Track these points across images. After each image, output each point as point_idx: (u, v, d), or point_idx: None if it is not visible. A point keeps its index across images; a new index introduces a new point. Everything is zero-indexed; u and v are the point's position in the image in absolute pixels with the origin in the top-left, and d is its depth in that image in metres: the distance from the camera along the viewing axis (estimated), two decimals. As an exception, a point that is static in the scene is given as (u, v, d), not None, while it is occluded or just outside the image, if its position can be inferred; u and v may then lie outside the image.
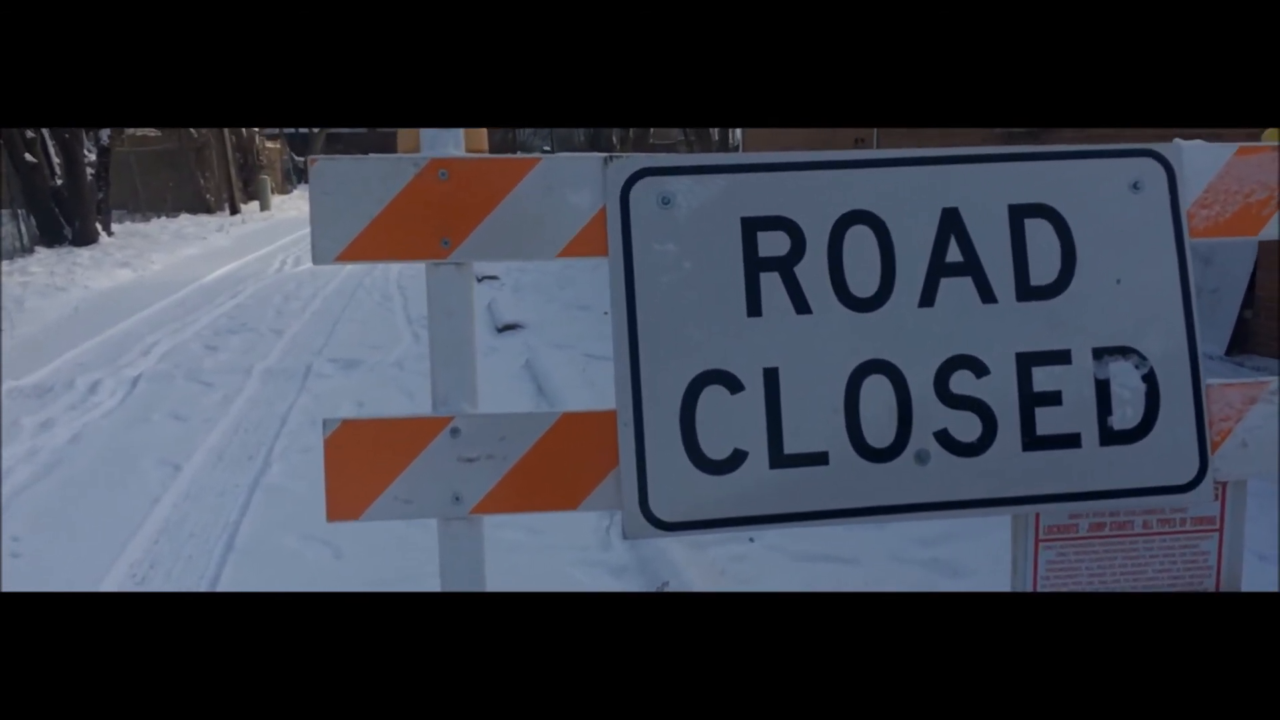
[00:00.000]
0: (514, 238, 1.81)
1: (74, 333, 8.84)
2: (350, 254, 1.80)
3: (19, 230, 15.72)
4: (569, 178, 1.81)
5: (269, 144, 34.09)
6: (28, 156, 15.53)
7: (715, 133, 42.10)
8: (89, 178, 16.72)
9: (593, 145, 42.00)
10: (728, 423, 1.81)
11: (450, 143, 1.83)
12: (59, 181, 16.06)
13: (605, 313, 8.05)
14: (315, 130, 39.70)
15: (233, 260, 15.02)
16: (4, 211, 15.67)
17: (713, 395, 1.81)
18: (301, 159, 37.57)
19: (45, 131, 15.76)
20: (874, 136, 12.89)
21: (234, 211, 26.06)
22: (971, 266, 1.86)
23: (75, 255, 14.66)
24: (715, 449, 1.81)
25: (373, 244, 1.79)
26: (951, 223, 1.86)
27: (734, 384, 1.81)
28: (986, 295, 1.86)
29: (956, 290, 1.85)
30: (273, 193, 28.55)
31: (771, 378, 1.82)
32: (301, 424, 5.64)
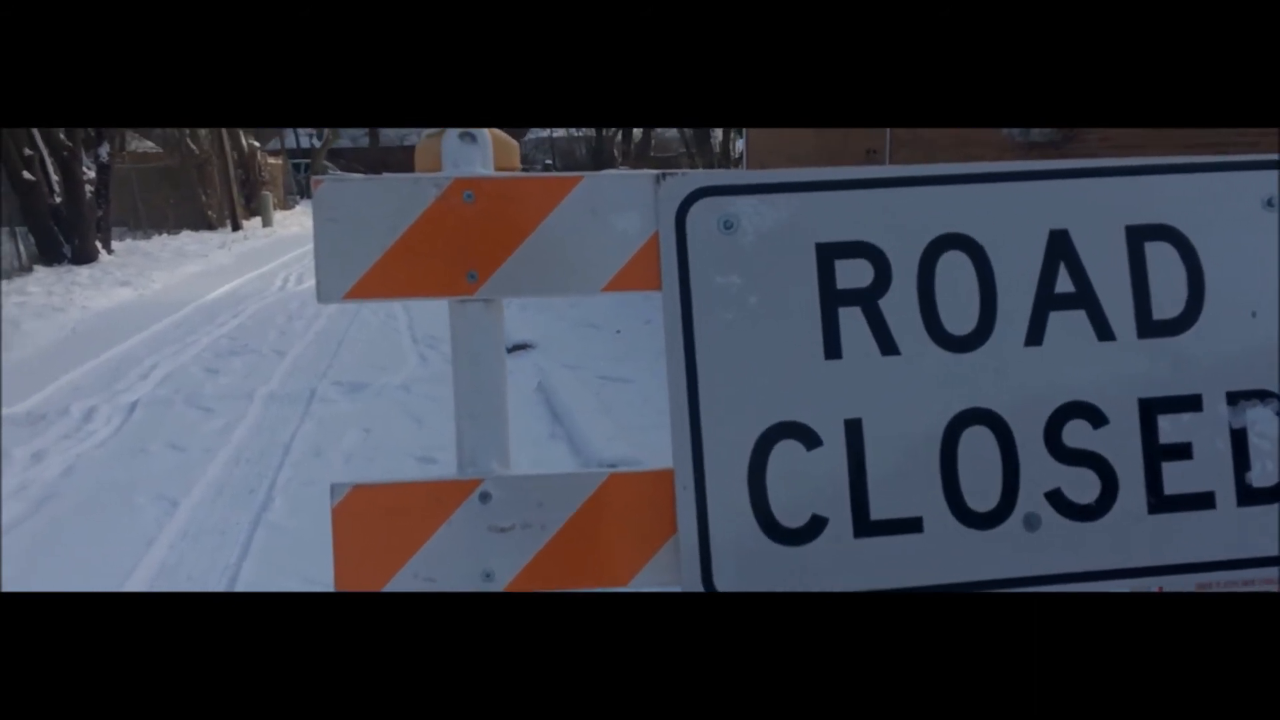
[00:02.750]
0: (551, 270, 1.55)
1: (70, 356, 8.59)
2: (361, 291, 1.54)
3: (17, 249, 15.50)
4: (615, 199, 1.56)
5: (271, 159, 33.97)
6: (26, 174, 15.33)
7: (717, 144, 42.07)
8: (88, 195, 16.52)
9: (595, 159, 41.94)
10: (804, 484, 1.57)
11: (477, 159, 1.57)
12: (58, 199, 15.85)
13: (617, 331, 7.84)
14: (317, 145, 39.60)
15: (234, 278, 14.80)
16: (2, 230, 15.46)
17: (786, 452, 1.56)
18: (303, 174, 37.47)
19: (44, 149, 15.56)
20: (885, 145, 12.63)
21: (236, 228, 25.88)
22: (1085, 298, 1.61)
23: (74, 274, 14.44)
24: (789, 514, 1.56)
25: (387, 279, 1.53)
26: (1060, 247, 1.61)
27: (810, 438, 1.56)
28: (1103, 332, 1.61)
29: (1068, 326, 1.60)
30: (275, 208, 28.36)
31: (854, 431, 1.57)
32: (305, 453, 5.38)
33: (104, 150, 17.50)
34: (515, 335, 8.24)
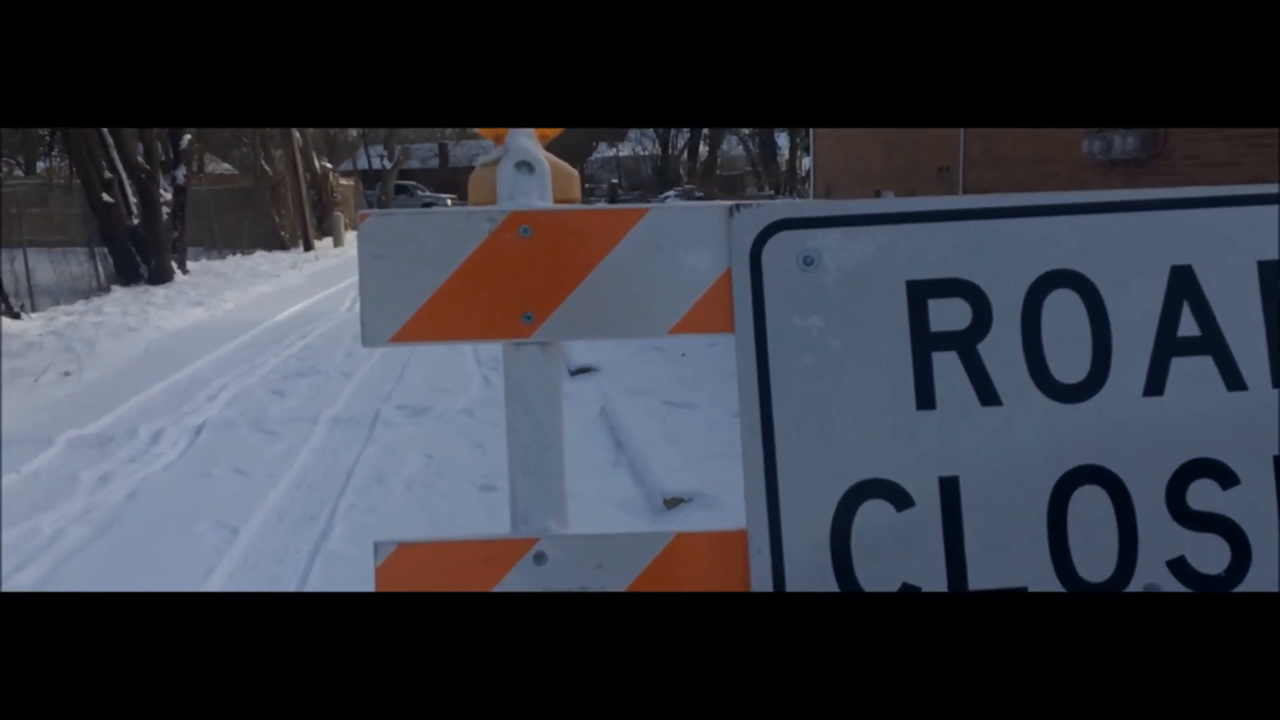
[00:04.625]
0: (613, 311, 1.42)
1: (142, 376, 8.69)
2: (409, 334, 1.43)
3: (96, 270, 15.87)
4: (684, 233, 1.43)
5: (343, 180, 34.57)
6: (105, 196, 15.69)
7: (783, 161, 41.83)
8: (165, 216, 16.86)
9: (660, 177, 41.97)
10: (893, 549, 1.42)
11: (534, 191, 1.44)
12: (135, 221, 16.20)
13: (682, 354, 7.70)
14: (388, 166, 40.22)
15: (305, 298, 14.97)
16: (82, 251, 15.85)
17: (873, 513, 1.42)
18: (373, 192, 38.06)
19: (123, 172, 15.93)
20: (959, 162, 12.34)
21: (308, 248, 26.31)
22: (1212, 342, 1.44)
23: (150, 294, 14.72)
24: (877, 583, 1.41)
25: (437, 321, 1.42)
26: (1184, 285, 1.44)
27: (901, 498, 1.41)
28: (1232, 380, 1.44)
29: (1193, 374, 1.44)
30: (346, 229, 28.81)
31: (950, 490, 1.42)
32: (367, 479, 5.32)
33: (180, 172, 17.88)
34: (578, 359, 8.15)
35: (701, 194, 33.92)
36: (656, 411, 6.32)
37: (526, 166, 1.45)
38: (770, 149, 42.31)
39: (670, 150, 43.37)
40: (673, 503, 4.45)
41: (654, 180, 41.92)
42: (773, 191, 39.05)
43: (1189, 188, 1.46)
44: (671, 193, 35.39)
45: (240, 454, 5.98)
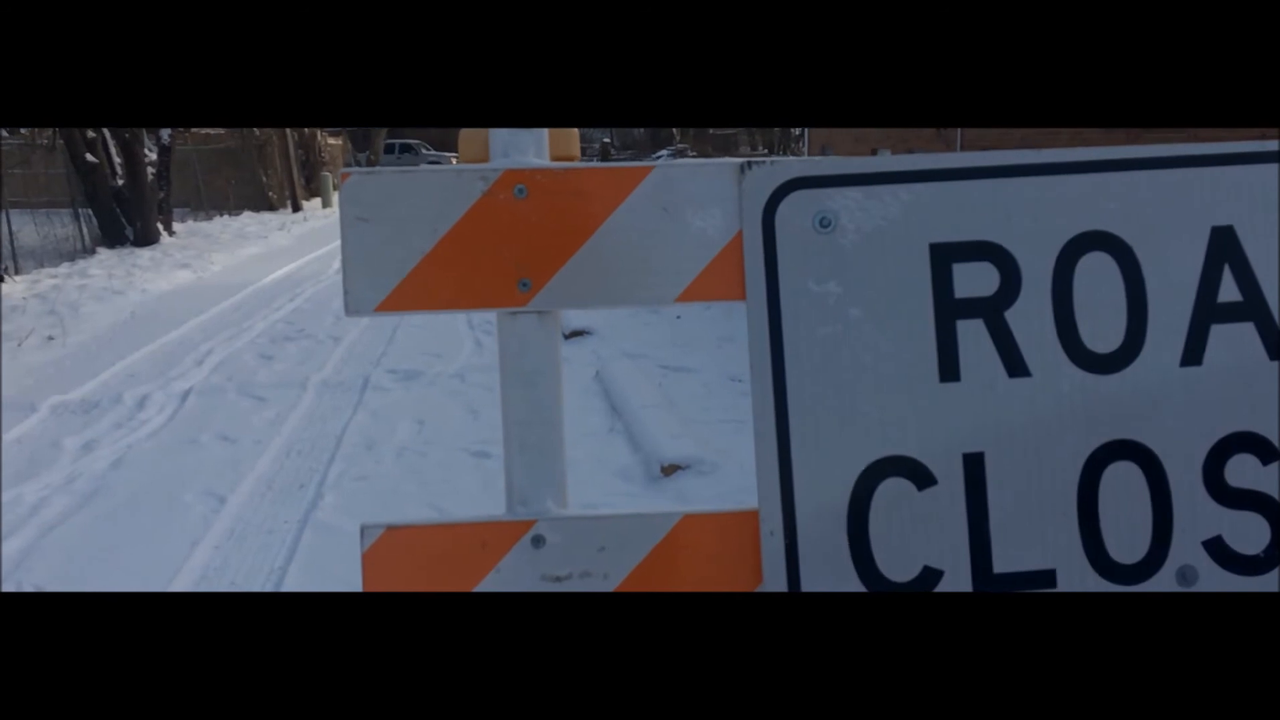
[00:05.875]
0: (616, 278, 1.33)
1: (128, 340, 8.55)
2: (396, 302, 1.33)
3: (80, 232, 15.64)
4: (691, 193, 1.33)
5: (331, 140, 34.13)
6: (89, 157, 15.44)
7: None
8: (150, 177, 16.62)
9: (653, 137, 41.59)
10: (914, 529, 1.33)
11: (530, 148, 1.34)
12: (120, 182, 15.96)
13: (678, 317, 7.60)
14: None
15: (293, 260, 14.79)
16: (66, 212, 15.61)
17: (893, 492, 1.34)
18: (363, 154, 37.60)
19: (106, 131, 15.67)
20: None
21: (296, 209, 26.02)
22: (1254, 308, 1.36)
23: (136, 256, 14.53)
24: (897, 566, 1.34)
25: (426, 288, 1.32)
26: (1225, 247, 1.36)
27: (923, 476, 1.33)
28: (1275, 349, 1.36)
29: (1233, 342, 1.35)
30: (335, 189, 28.51)
31: (975, 467, 1.34)
32: (357, 446, 5.23)
33: (165, 132, 17.59)
34: (572, 322, 8.04)
35: (695, 153, 33.62)
36: (653, 375, 6.22)
37: (521, 121, 1.34)
38: (763, 108, 41.79)
39: (662, 109, 42.85)
40: (670, 470, 4.37)
41: (647, 139, 41.51)
42: (766, 150, 38.73)
43: (1231, 142, 1.37)
44: (664, 152, 35.07)
45: (228, 420, 5.88)
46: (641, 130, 42.78)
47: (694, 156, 31.73)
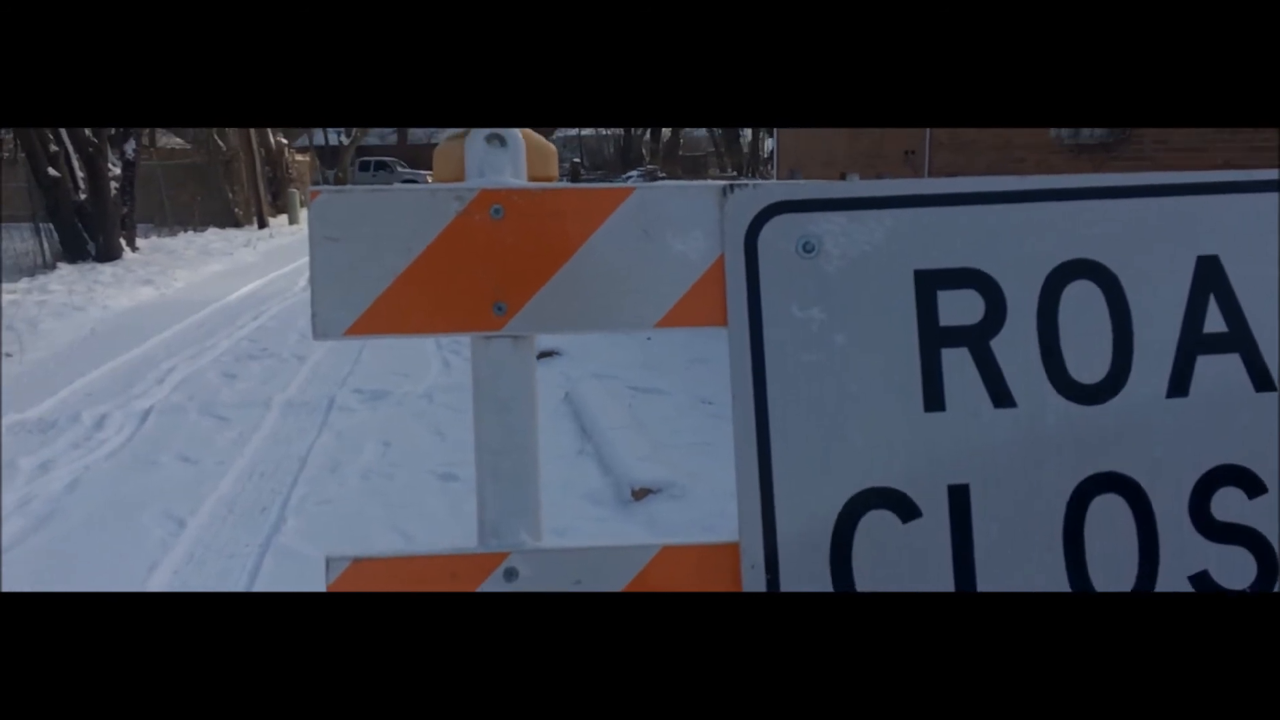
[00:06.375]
0: (595, 302, 1.29)
1: (87, 358, 8.39)
2: (366, 325, 1.29)
3: (41, 246, 15.39)
4: (672, 216, 1.29)
5: (298, 156, 33.94)
6: (51, 171, 15.20)
7: (746, 143, 41.78)
8: (113, 192, 16.39)
9: (623, 157, 41.72)
10: (899, 563, 1.30)
11: (507, 167, 1.30)
12: (83, 196, 15.73)
13: (648, 338, 7.57)
14: (345, 142, 39.52)
15: (258, 277, 14.63)
16: (26, 227, 15.35)
17: (877, 524, 1.31)
18: (331, 171, 37.37)
19: (69, 145, 15.45)
20: (925, 146, 12.29)
21: (262, 225, 25.78)
22: (1239, 339, 1.34)
23: (97, 272, 14.31)
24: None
25: (398, 312, 1.28)
26: (1210, 276, 1.34)
27: (907, 508, 1.30)
28: (1261, 380, 1.35)
29: (1220, 373, 1.34)
30: (301, 206, 28.30)
31: (959, 499, 1.31)
32: (322, 468, 5.14)
33: (130, 146, 17.37)
34: (542, 342, 7.99)
35: (664, 174, 33.71)
36: (622, 397, 6.18)
37: (498, 140, 1.30)
38: (733, 130, 42.19)
39: (633, 130, 43.09)
40: (641, 494, 4.32)
41: (617, 160, 41.61)
42: (735, 173, 38.95)
43: (1216, 171, 1.35)
44: (634, 173, 35.16)
45: (189, 440, 5.76)
46: (611, 150, 42.91)
47: (664, 177, 31.85)
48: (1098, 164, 8.57)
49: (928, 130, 11.82)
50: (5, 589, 3.70)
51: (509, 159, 1.31)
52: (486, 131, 1.30)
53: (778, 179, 19.43)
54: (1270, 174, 1.33)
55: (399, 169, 39.41)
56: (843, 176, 15.54)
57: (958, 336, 1.31)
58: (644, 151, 42.47)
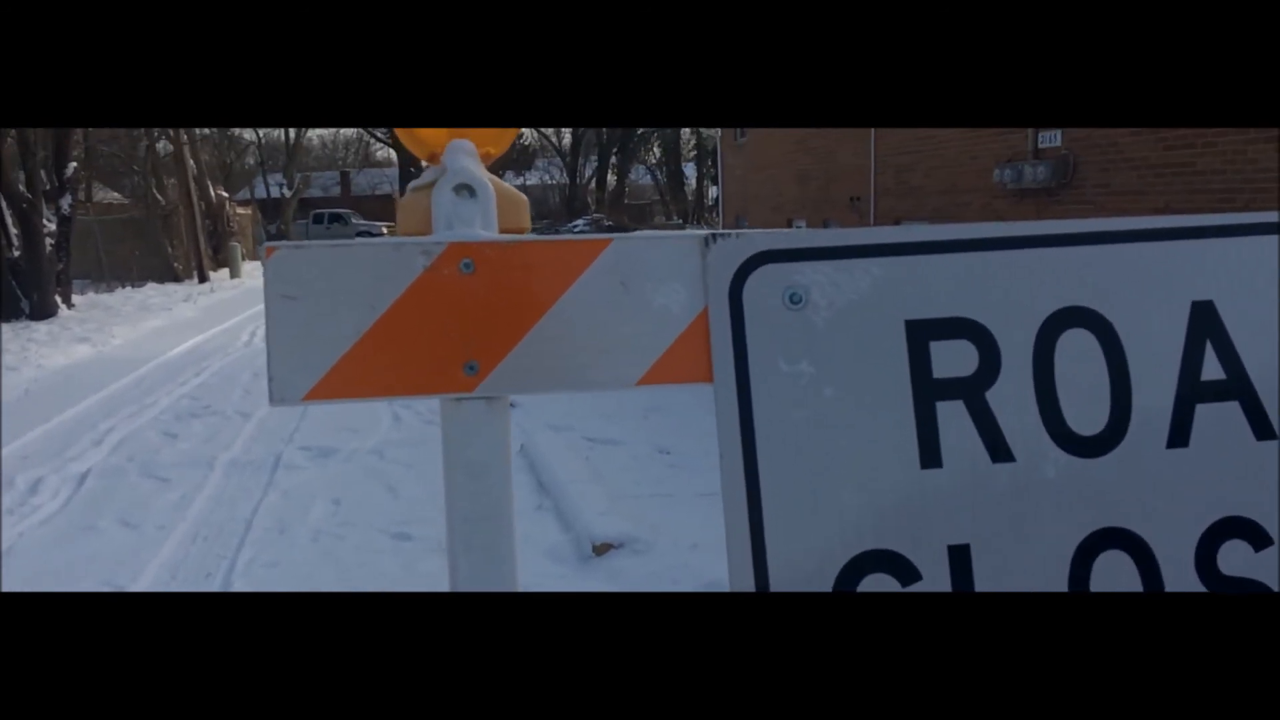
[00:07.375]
0: (572, 359, 1.22)
1: (22, 419, 8.10)
2: (327, 390, 1.20)
3: (-28, 305, 14.95)
4: (652, 267, 1.23)
5: (240, 209, 33.54)
6: (-17, 227, 14.83)
7: (690, 191, 42.16)
8: (48, 248, 16.02)
9: (568, 206, 41.86)
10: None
11: (477, 219, 1.23)
12: (16, 253, 15.34)
13: (602, 389, 7.51)
14: (287, 194, 39.16)
15: (199, 332, 14.33)
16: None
17: (876, 588, 1.22)
18: (273, 225, 36.97)
19: (2, 201, 15.08)
20: (870, 191, 12.42)
21: (203, 279, 25.36)
22: (1238, 386, 1.31)
23: (32, 330, 13.94)
24: None
25: (361, 374, 1.19)
26: (1206, 322, 1.30)
27: (906, 571, 1.24)
28: (1262, 429, 1.30)
29: (1219, 422, 1.29)
30: (244, 259, 27.90)
31: (960, 560, 1.25)
32: (269, 529, 4.96)
33: (66, 201, 17.02)
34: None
35: (611, 222, 33.82)
36: (579, 448, 6.07)
37: (467, 190, 1.23)
38: (678, 178, 42.58)
39: (579, 179, 43.28)
40: (602, 549, 4.21)
41: (562, 209, 41.72)
42: (680, 220, 39.23)
43: (1210, 215, 1.32)
44: (580, 221, 35.25)
45: (129, 504, 5.55)
46: (556, 199, 43.04)
47: (610, 226, 31.93)
48: (1041, 208, 8.73)
49: (873, 176, 11.98)
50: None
51: (479, 210, 1.23)
52: (455, 181, 1.23)
53: (724, 225, 19.56)
54: (1269, 216, 1.30)
55: (354, 221, 38.70)
56: (789, 223, 15.69)
57: (952, 389, 1.25)
58: (589, 200, 42.68)
